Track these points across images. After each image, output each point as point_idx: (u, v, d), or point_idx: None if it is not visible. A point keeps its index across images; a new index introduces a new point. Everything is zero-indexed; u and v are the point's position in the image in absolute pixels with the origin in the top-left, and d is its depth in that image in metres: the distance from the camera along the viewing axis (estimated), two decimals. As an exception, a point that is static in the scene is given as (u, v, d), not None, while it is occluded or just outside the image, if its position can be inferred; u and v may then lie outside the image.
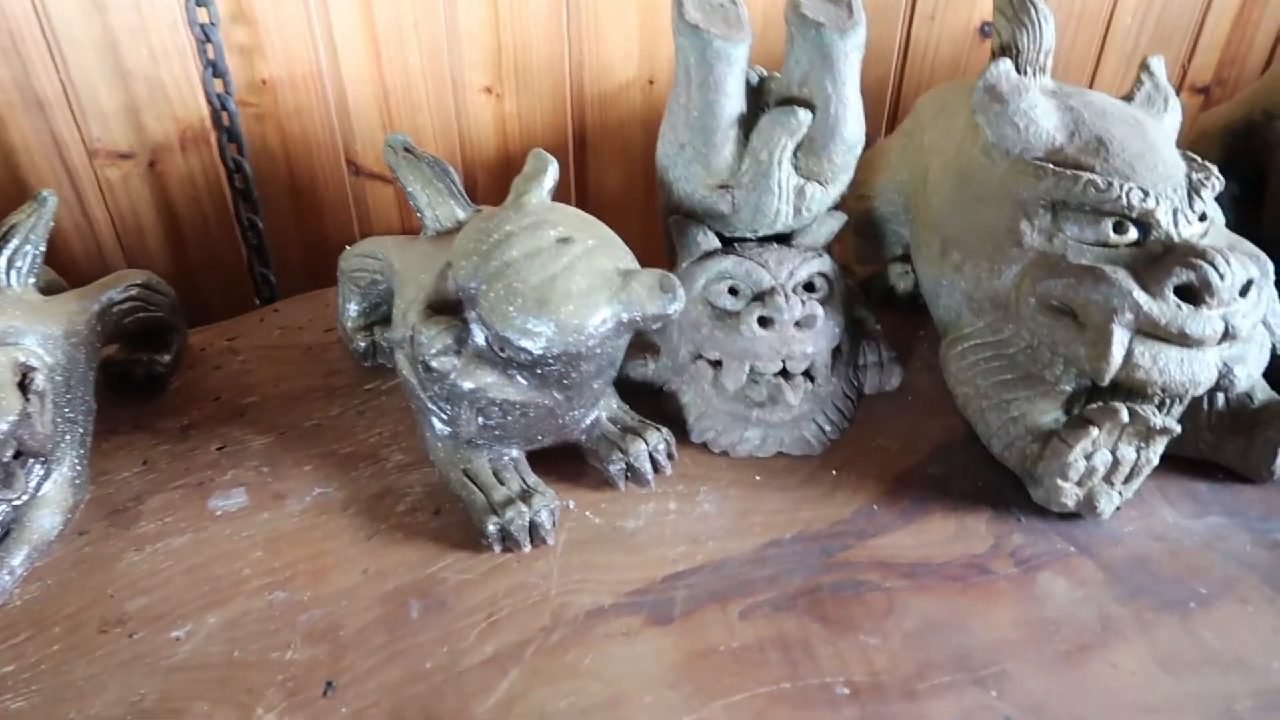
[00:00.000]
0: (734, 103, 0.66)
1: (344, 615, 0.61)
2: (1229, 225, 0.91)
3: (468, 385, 0.62)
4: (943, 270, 0.74)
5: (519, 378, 0.62)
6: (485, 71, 0.97)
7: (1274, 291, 0.69)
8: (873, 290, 0.89)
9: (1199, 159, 0.71)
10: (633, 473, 0.69)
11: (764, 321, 0.70)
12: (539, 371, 0.61)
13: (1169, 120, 0.74)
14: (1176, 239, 0.66)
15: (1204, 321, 0.63)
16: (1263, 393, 0.71)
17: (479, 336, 0.61)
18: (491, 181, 1.03)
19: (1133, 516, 0.68)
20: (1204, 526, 0.68)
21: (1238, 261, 0.63)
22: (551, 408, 0.64)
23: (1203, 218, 0.68)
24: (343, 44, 0.92)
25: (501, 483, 0.66)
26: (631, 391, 0.75)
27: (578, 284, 0.59)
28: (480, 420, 0.63)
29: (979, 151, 0.73)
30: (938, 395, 0.75)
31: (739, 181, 0.68)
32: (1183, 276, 0.63)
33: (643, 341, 0.77)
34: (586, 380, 0.63)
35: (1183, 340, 0.63)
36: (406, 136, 0.75)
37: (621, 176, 1.06)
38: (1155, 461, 0.65)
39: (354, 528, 0.67)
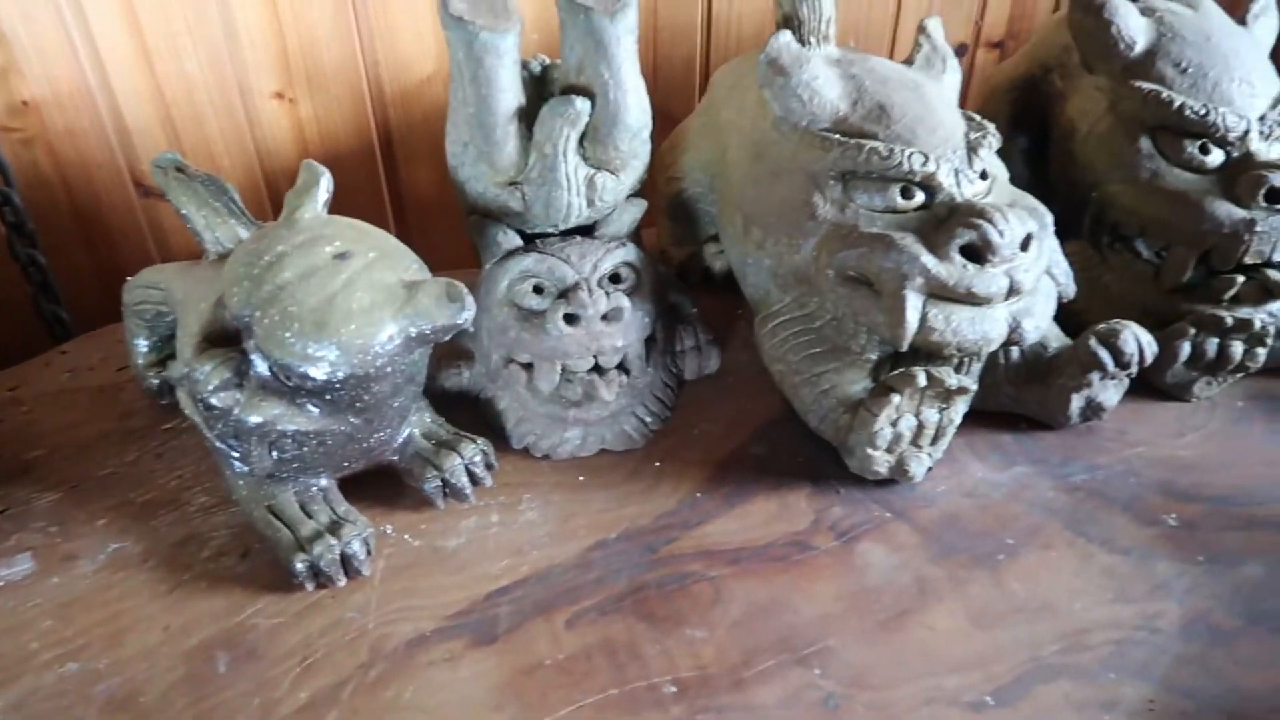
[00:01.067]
0: (509, 96, 0.64)
1: (144, 680, 0.57)
2: (1022, 179, 0.95)
3: (254, 420, 0.58)
4: (747, 248, 0.75)
5: (309, 406, 0.59)
6: (273, 76, 0.92)
7: (1055, 242, 0.72)
8: (690, 272, 0.89)
9: (976, 117, 0.72)
10: (450, 489, 0.67)
11: (570, 319, 0.68)
12: (328, 397, 0.58)
13: (949, 81, 0.76)
14: (959, 199, 0.67)
15: (989, 279, 0.65)
16: (1056, 341, 0.74)
17: (260, 366, 0.57)
18: (295, 191, 0.98)
19: (944, 475, 0.70)
20: (1010, 478, 0.70)
21: (1015, 217, 0.65)
22: (350, 433, 0.61)
23: (984, 175, 0.70)
24: (109, 56, 0.86)
25: (309, 516, 0.63)
26: (450, 403, 0.73)
27: (359, 301, 0.56)
28: (274, 454, 0.60)
29: (770, 126, 0.73)
30: (758, 375, 0.75)
31: (527, 177, 0.66)
32: (965, 237, 0.64)
33: (456, 349, 0.74)
34: (383, 401, 0.60)
35: (972, 300, 0.65)
36: (176, 154, 0.69)
37: (435, 174, 1.03)
38: (958, 420, 0.67)
39: (154, 582, 0.63)
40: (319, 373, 0.55)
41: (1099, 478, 0.70)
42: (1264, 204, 0.73)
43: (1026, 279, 0.66)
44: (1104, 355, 0.69)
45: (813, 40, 0.75)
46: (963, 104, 0.76)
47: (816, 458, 0.71)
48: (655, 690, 0.56)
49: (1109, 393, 0.72)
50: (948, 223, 0.66)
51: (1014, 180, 0.95)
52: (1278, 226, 0.73)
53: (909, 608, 0.61)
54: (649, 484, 0.70)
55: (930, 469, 0.70)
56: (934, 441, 0.68)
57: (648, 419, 0.73)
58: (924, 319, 0.65)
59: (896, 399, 0.64)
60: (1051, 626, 0.60)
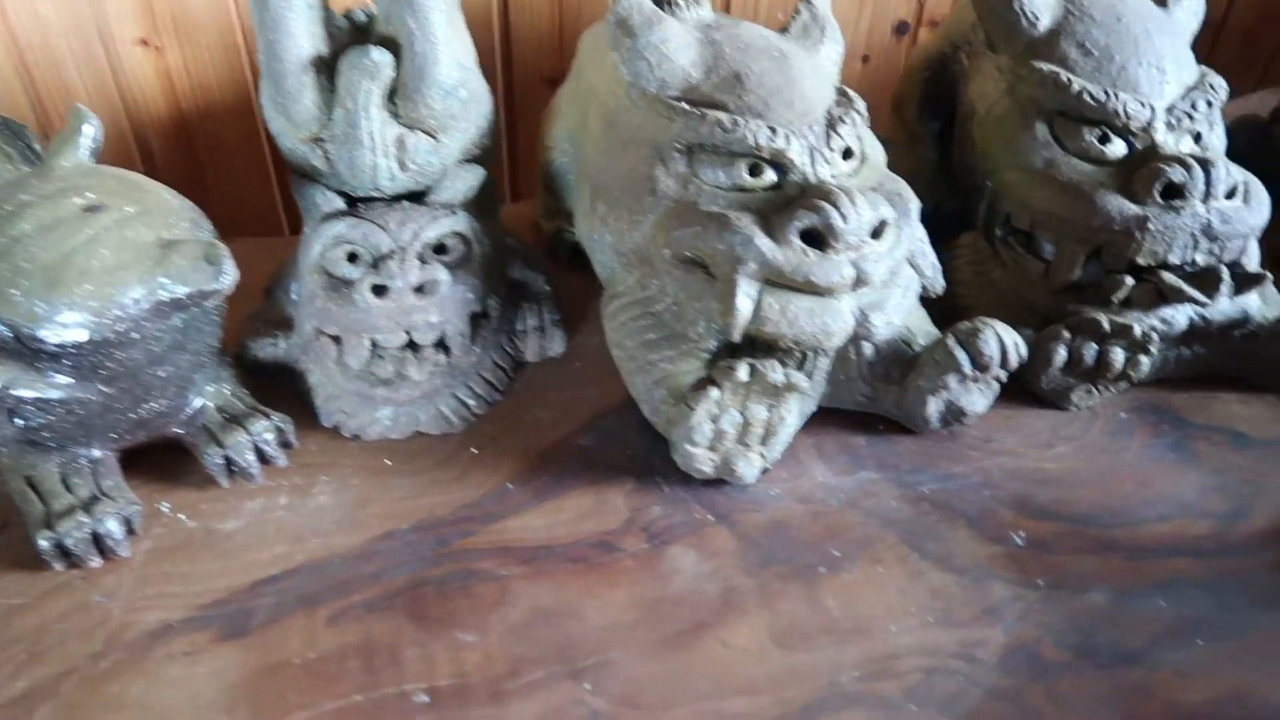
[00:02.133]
0: (300, 43, 0.58)
1: None
2: (933, 165, 0.89)
3: (-10, 384, 0.54)
4: (592, 223, 0.69)
5: (52, 371, 0.54)
6: (136, 22, 0.87)
7: (921, 232, 0.66)
8: (558, 247, 0.83)
9: (849, 93, 0.66)
10: (235, 467, 0.62)
11: (378, 290, 0.63)
12: (69, 363, 0.53)
13: (826, 52, 0.69)
14: (813, 179, 0.61)
15: (831, 268, 0.59)
16: (925, 338, 0.68)
17: None
18: (169, 148, 0.93)
19: (782, 478, 0.65)
20: (854, 483, 0.65)
21: (866, 201, 0.59)
22: (106, 404, 0.56)
23: (848, 155, 0.64)
24: (-45, -5, 0.81)
25: (69, 489, 0.58)
26: (268, 375, 0.68)
27: (101, 259, 0.51)
28: (18, 422, 0.55)
29: (623, 92, 0.67)
30: (606, 360, 0.70)
31: (331, 134, 0.61)
32: (805, 220, 0.58)
33: (276, 317, 0.69)
34: (138, 370, 0.55)
35: (811, 289, 0.59)
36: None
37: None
38: (792, 419, 0.62)
39: (-97, 552, 0.59)
40: (50, 335, 0.51)
41: (950, 488, 0.64)
42: (1159, 200, 0.67)
43: (876, 270, 0.60)
44: (961, 357, 0.63)
45: (681, 2, 0.69)
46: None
47: (647, 452, 0.66)
48: (405, 699, 0.51)
49: (971, 397, 0.66)
50: (792, 204, 0.60)
51: (925, 166, 0.90)
52: (1173, 226, 0.67)
53: (707, 621, 0.56)
54: (460, 472, 0.65)
55: (767, 470, 0.64)
56: (765, 441, 0.62)
57: (470, 402, 0.68)
58: (758, 308, 0.60)
59: (715, 394, 0.59)
60: (860, 650, 0.54)
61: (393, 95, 0.61)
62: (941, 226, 0.83)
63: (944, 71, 0.84)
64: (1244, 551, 0.60)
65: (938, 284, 0.67)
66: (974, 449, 0.67)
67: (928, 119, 0.88)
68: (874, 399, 0.68)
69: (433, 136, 0.63)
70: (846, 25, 1.07)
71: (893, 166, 0.92)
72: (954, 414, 0.66)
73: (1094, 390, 0.69)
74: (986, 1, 0.74)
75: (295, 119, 0.60)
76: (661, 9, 0.67)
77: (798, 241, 0.59)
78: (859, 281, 0.60)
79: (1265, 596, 0.57)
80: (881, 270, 0.60)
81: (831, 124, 0.63)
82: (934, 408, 0.66)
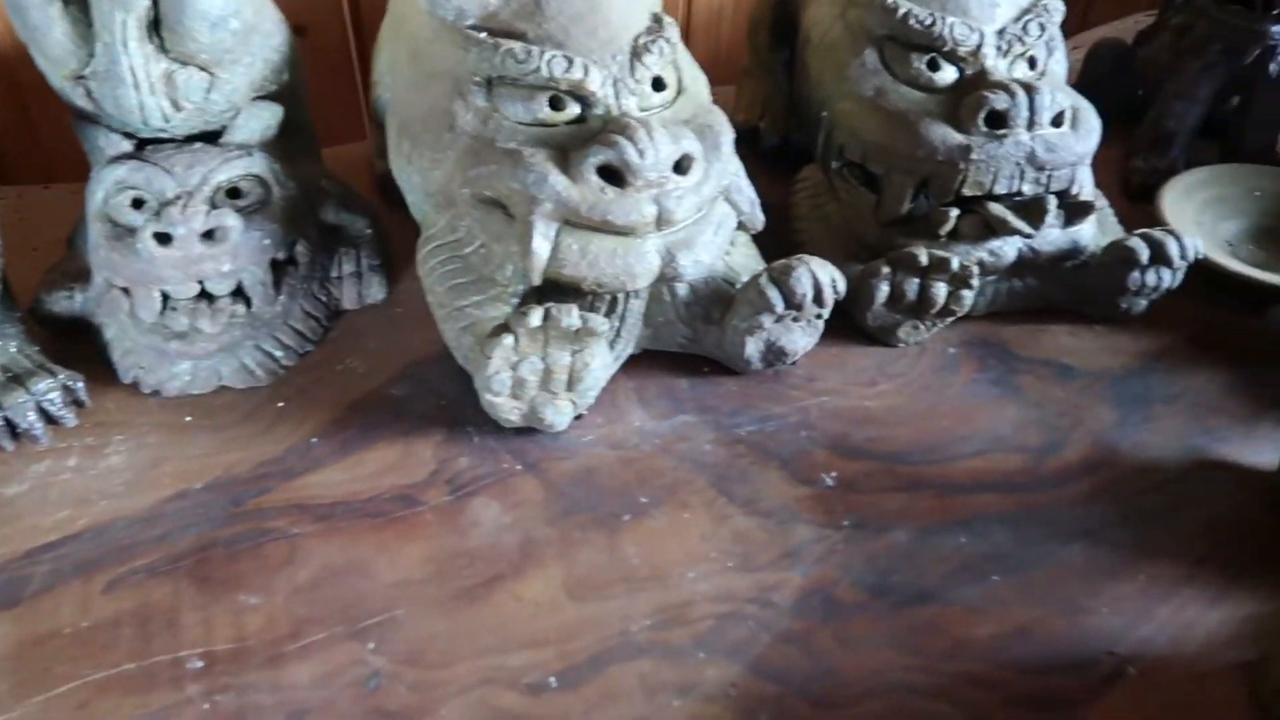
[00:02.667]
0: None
1: None
2: (787, 91, 0.86)
3: None
4: (399, 163, 0.66)
5: None
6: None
7: (738, 165, 0.64)
8: (389, 187, 0.80)
9: (665, 19, 0.63)
10: (16, 428, 0.59)
11: (162, 238, 0.60)
12: None
13: (644, -25, 0.66)
14: (616, 113, 0.59)
15: (630, 206, 0.56)
16: (749, 276, 0.66)
17: None
18: (-15, 84, 0.88)
19: (597, 424, 0.63)
20: (670, 427, 0.63)
21: (666, 136, 0.56)
22: None
23: (659, 86, 0.61)
24: None
25: None
26: (69, 330, 0.65)
27: None
28: None
29: (427, 21, 0.63)
30: (427, 305, 0.67)
31: (94, 71, 0.57)
32: (599, 156, 0.56)
33: (73, 268, 0.66)
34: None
35: (611, 229, 0.57)
36: None
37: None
38: (595, 364, 0.60)
39: None
40: None
41: (768, 429, 0.63)
42: (984, 129, 0.65)
43: (681, 207, 0.58)
44: (774, 296, 0.61)
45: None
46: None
47: (460, 401, 0.64)
48: (178, 666, 0.50)
49: (792, 336, 0.65)
50: (589, 140, 0.57)
51: (776, 96, 0.87)
52: (997, 155, 0.65)
53: (502, 574, 0.55)
54: (264, 427, 0.63)
55: (581, 416, 0.63)
56: (572, 387, 0.60)
57: (278, 353, 0.65)
58: (556, 249, 0.57)
59: (509, 340, 0.57)
60: (654, 598, 0.54)
61: (158, 29, 0.57)
62: (792, 159, 0.82)
63: (785, 4, 0.81)
64: (1051, 485, 0.60)
65: (756, 220, 0.65)
66: (797, 388, 0.66)
67: (779, 46, 0.85)
68: (695, 340, 0.66)
69: (207, 72, 0.59)
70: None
71: (748, 97, 0.91)
72: (775, 354, 0.65)
73: (920, 325, 0.68)
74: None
75: (49, 54, 0.56)
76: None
77: (595, 179, 0.56)
78: (662, 220, 0.58)
79: (1065, 530, 0.58)
80: (687, 208, 0.58)
81: (637, 53, 0.60)
82: (753, 348, 0.64)
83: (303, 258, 0.66)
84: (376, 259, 0.71)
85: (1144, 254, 0.67)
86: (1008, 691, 0.50)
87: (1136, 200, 0.83)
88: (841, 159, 0.72)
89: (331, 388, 0.65)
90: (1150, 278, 0.68)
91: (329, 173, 0.72)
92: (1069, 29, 1.31)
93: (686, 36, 1.13)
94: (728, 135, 0.61)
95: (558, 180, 0.56)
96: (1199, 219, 0.77)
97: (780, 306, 0.61)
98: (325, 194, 0.69)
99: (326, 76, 1.00)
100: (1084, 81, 0.93)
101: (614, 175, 0.57)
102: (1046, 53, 0.71)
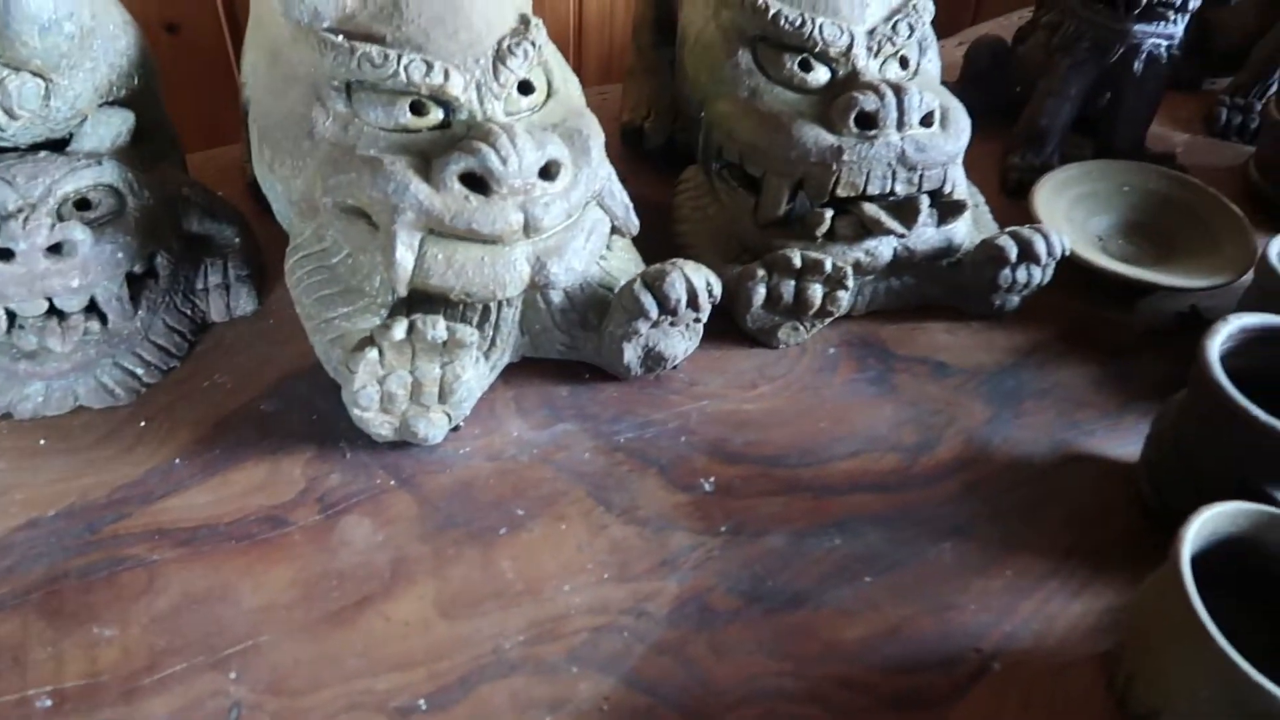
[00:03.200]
0: None
1: None
2: (671, 91, 0.85)
3: None
4: (261, 170, 0.64)
5: None
6: None
7: (609, 170, 0.63)
8: (261, 194, 0.77)
9: (532, 20, 0.62)
10: None
11: (3, 254, 0.57)
12: None
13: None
14: (480, 118, 0.58)
15: (494, 214, 0.55)
16: (624, 276, 0.65)
17: None
18: None
19: (475, 435, 0.62)
20: (550, 437, 0.63)
21: (530, 142, 0.55)
22: None
23: (526, 89, 0.60)
24: None
25: None
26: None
27: None
28: None
29: (285, 23, 0.61)
30: (299, 317, 0.65)
31: (-81, 81, 0.54)
32: (460, 163, 0.55)
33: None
34: None
35: (476, 237, 0.56)
36: None
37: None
38: (467, 376, 0.59)
39: None
40: None
41: (648, 436, 0.63)
42: (855, 130, 0.65)
43: (549, 214, 0.57)
44: (647, 301, 0.61)
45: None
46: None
47: (333, 416, 0.62)
48: (25, 705, 0.48)
49: (670, 341, 0.64)
50: (450, 147, 0.56)
51: (661, 96, 0.87)
52: (869, 156, 0.65)
53: (372, 594, 0.53)
54: (123, 448, 0.60)
55: (458, 428, 0.62)
56: (445, 399, 0.59)
57: (139, 371, 0.63)
58: (421, 259, 0.56)
59: (373, 354, 0.55)
60: (528, 613, 0.53)
61: (-15, 33, 0.54)
62: (678, 158, 0.81)
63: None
64: (924, 484, 0.61)
65: (631, 224, 0.64)
66: (678, 393, 0.66)
67: (662, 45, 0.85)
68: (574, 347, 0.66)
69: (42, 78, 0.56)
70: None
71: (633, 96, 0.90)
72: (654, 360, 0.65)
73: (800, 327, 0.69)
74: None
75: None
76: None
77: (458, 186, 0.55)
78: (530, 228, 0.57)
79: (936, 528, 0.59)
80: (555, 215, 0.57)
81: (501, 56, 0.59)
82: (631, 354, 0.64)
83: (163, 270, 0.64)
84: (244, 269, 0.68)
85: (1012, 252, 0.68)
86: (877, 693, 0.51)
87: (1014, 197, 0.85)
88: (720, 160, 0.72)
89: (197, 405, 0.63)
90: (1020, 274, 0.69)
91: (192, 179, 0.69)
92: (959, 24, 1.35)
93: (579, 35, 1.12)
94: (597, 139, 0.61)
95: (419, 189, 0.55)
96: (1070, 215, 0.79)
97: (654, 312, 0.61)
98: (188, 202, 0.67)
99: (202, 75, 0.97)
100: (964, 79, 0.94)
101: (479, 182, 0.56)
102: (919, 52, 0.73)
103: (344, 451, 0.61)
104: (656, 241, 0.70)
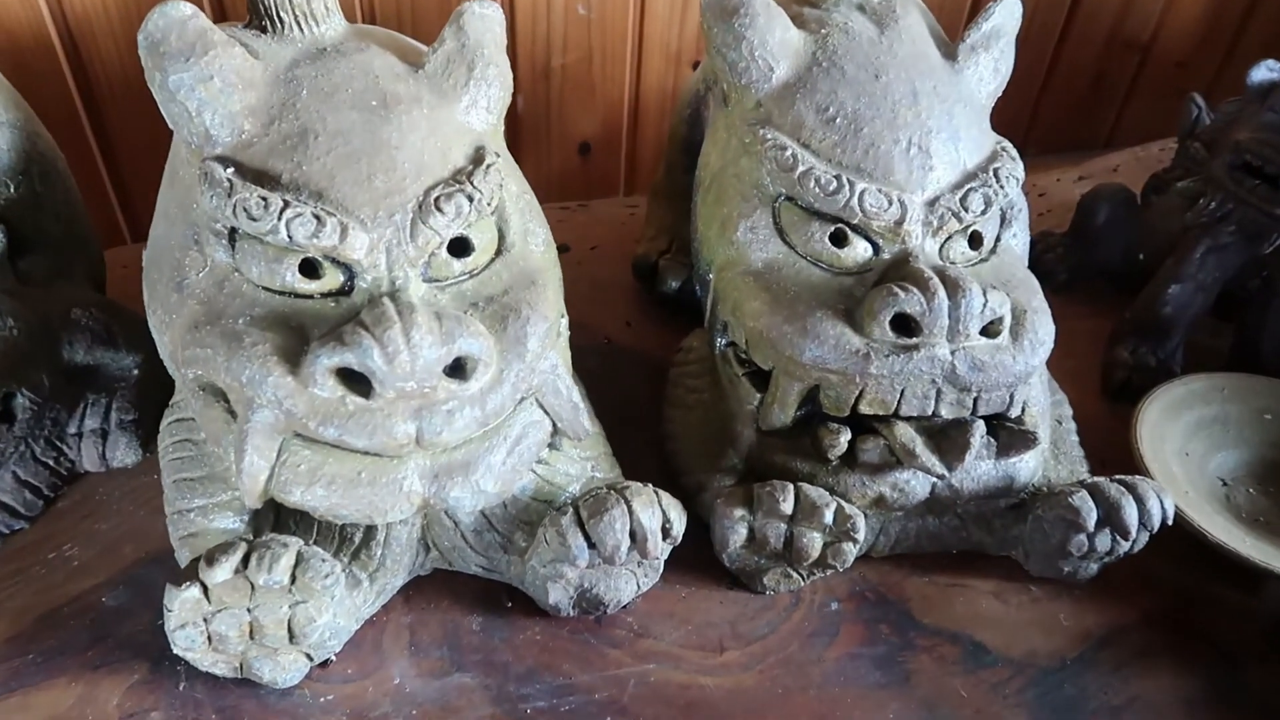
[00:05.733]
0: None
1: None
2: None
3: None
4: (143, 305, 0.52)
5: None
6: None
7: (554, 360, 0.49)
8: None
9: (490, 157, 0.49)
10: None
11: None
12: None
13: (469, 100, 0.51)
14: (387, 287, 0.45)
15: (376, 425, 0.43)
16: (581, 485, 0.51)
17: None
18: None
19: (348, 675, 0.49)
20: (439, 692, 0.48)
21: (433, 333, 0.42)
22: None
23: (462, 249, 0.47)
24: None
25: None
26: None
27: None
28: None
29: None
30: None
31: None
32: (335, 357, 0.42)
33: None
34: None
35: (346, 446, 0.43)
36: None
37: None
38: (324, 618, 0.45)
39: None
40: None
41: (565, 709, 0.48)
42: (890, 335, 0.49)
43: (452, 425, 0.44)
44: (576, 544, 0.47)
45: (281, 15, 0.51)
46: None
47: (180, 625, 0.50)
48: None
49: (613, 582, 0.50)
50: (334, 330, 0.43)
51: (686, 229, 0.72)
52: (905, 371, 0.49)
53: None
54: (-81, 639, 0.49)
55: (329, 662, 0.49)
56: (295, 641, 0.46)
57: (-31, 535, 0.52)
58: (281, 466, 0.44)
59: (194, 594, 0.43)
60: None
61: None
62: (695, 309, 0.67)
63: (698, 116, 0.66)
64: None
65: (578, 429, 0.50)
66: (618, 646, 0.51)
67: (694, 170, 0.70)
68: (494, 569, 0.52)
69: None
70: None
71: (654, 224, 0.76)
72: (590, 604, 0.50)
73: (792, 573, 0.53)
74: (712, 37, 0.56)
75: None
76: (256, 21, 0.51)
77: (331, 383, 0.42)
78: (424, 441, 0.43)
79: None
80: (462, 425, 0.44)
81: (425, 211, 0.46)
82: (560, 596, 0.50)
83: (24, 411, 0.53)
84: (130, 412, 0.57)
85: (1090, 518, 0.51)
86: None
87: (1118, 400, 0.67)
88: (727, 337, 0.57)
89: (28, 587, 0.52)
90: (1101, 542, 0.52)
91: (97, 298, 0.59)
92: (1086, 140, 1.16)
93: (633, 117, 0.98)
94: (540, 323, 0.47)
95: (280, 382, 0.42)
96: (1187, 446, 0.60)
97: (583, 559, 0.47)
98: (77, 327, 0.56)
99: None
100: (1075, 232, 0.77)
101: (360, 379, 0.43)
102: (1000, 225, 0.56)
103: (179, 679, 0.48)
104: (651, 422, 0.56)
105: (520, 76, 0.91)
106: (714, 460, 0.56)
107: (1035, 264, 0.78)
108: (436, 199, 0.46)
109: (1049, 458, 0.58)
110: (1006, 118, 1.12)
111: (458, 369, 0.44)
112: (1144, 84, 1.13)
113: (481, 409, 0.45)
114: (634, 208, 0.81)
